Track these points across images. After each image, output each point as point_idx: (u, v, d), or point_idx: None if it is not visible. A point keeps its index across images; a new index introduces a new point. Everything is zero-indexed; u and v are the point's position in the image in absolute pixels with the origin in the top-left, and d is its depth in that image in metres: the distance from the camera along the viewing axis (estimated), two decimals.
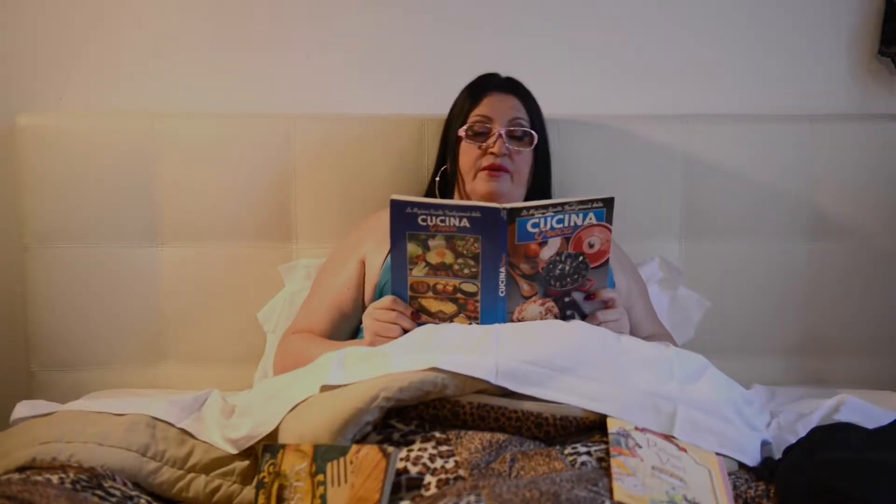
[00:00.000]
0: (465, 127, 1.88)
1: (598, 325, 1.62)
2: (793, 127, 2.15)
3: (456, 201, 1.78)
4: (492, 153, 1.84)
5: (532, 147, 1.89)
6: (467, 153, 1.87)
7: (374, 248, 1.87)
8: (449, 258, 1.59)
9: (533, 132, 1.89)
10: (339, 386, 1.45)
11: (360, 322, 1.84)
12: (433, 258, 1.59)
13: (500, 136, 1.85)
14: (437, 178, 1.96)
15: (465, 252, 1.58)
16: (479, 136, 1.87)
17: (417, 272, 1.61)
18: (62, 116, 2.13)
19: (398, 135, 2.10)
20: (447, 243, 1.58)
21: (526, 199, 1.90)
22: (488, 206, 1.57)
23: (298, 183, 2.11)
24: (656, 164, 2.14)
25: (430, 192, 1.99)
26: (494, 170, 1.84)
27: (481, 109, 1.88)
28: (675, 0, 2.22)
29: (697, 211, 2.15)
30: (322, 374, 1.49)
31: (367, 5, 2.19)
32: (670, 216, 2.15)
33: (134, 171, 2.08)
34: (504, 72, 1.97)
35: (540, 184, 1.95)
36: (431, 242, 1.58)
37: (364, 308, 1.85)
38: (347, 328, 1.89)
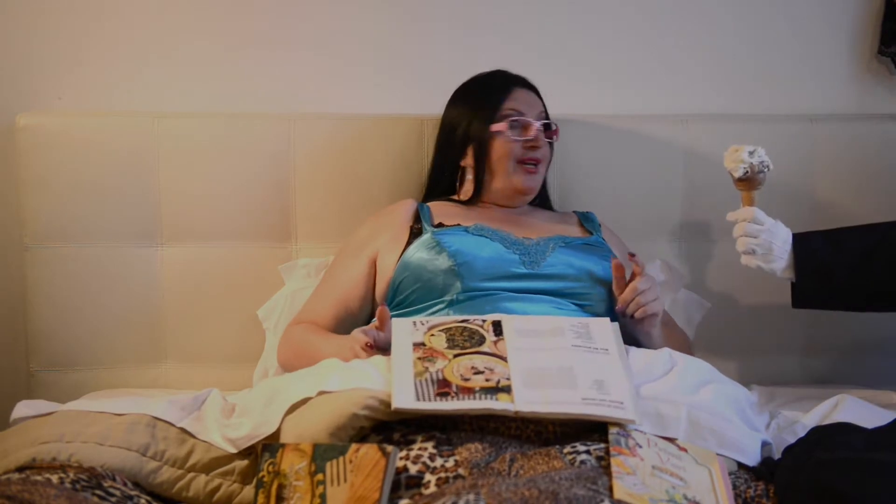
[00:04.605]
0: (504, 121, 1.88)
1: (644, 317, 1.69)
2: (793, 127, 2.15)
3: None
4: (533, 146, 1.88)
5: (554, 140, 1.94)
6: (505, 147, 1.88)
7: (388, 244, 1.86)
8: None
9: (556, 125, 1.94)
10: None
11: (368, 319, 1.84)
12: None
13: (540, 128, 1.89)
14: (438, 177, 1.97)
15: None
16: (517, 129, 1.89)
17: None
18: (62, 116, 2.13)
19: (398, 135, 2.10)
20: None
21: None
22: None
23: (298, 183, 2.11)
24: (656, 164, 2.14)
25: (433, 192, 1.99)
26: (534, 164, 1.89)
27: (512, 104, 1.90)
28: (674, 0, 2.22)
29: (697, 211, 2.15)
30: (323, 380, 1.48)
31: (368, 5, 2.19)
32: (670, 217, 2.15)
33: (134, 171, 2.08)
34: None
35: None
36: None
37: (373, 304, 1.86)
38: (353, 325, 1.86)
